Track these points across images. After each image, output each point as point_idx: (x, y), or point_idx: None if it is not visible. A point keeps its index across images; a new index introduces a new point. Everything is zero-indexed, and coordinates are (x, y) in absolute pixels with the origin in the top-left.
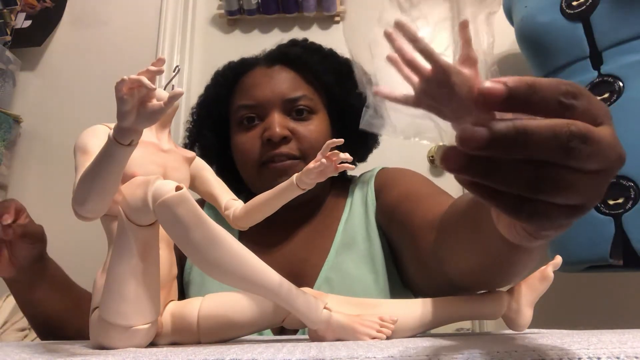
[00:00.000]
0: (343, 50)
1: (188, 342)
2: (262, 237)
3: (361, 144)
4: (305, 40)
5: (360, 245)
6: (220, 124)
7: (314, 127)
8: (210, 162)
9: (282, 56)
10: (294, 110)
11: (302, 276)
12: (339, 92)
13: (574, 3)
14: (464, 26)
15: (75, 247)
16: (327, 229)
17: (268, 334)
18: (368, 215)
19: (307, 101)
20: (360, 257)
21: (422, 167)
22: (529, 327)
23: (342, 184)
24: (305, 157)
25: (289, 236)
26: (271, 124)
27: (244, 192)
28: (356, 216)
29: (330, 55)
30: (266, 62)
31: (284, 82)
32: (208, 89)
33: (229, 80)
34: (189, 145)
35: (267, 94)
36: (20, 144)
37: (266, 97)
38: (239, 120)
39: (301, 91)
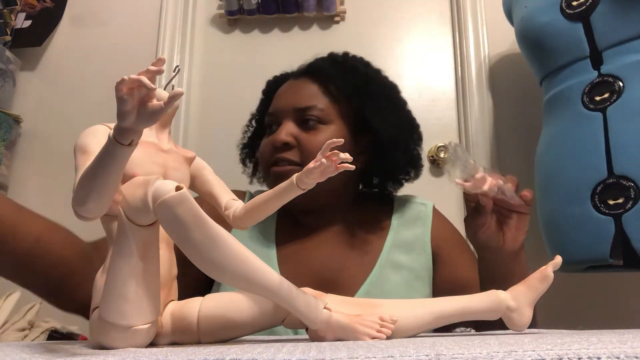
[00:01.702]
0: (342, 51)
1: (188, 342)
2: (298, 240)
3: (388, 160)
4: (346, 54)
5: (404, 271)
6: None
7: (319, 137)
8: (257, 163)
9: (309, 68)
10: (303, 119)
11: (339, 284)
12: (356, 104)
13: (574, 3)
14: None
15: None
16: (369, 246)
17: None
18: (418, 250)
19: (317, 112)
20: (404, 280)
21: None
22: (529, 327)
23: (382, 202)
24: (304, 165)
25: (326, 244)
26: (279, 130)
27: None
28: (403, 243)
29: (351, 68)
30: (296, 74)
31: (300, 93)
32: (261, 97)
33: (270, 91)
34: (244, 148)
35: (283, 104)
36: (20, 144)
37: (282, 106)
38: (266, 126)
39: (312, 102)
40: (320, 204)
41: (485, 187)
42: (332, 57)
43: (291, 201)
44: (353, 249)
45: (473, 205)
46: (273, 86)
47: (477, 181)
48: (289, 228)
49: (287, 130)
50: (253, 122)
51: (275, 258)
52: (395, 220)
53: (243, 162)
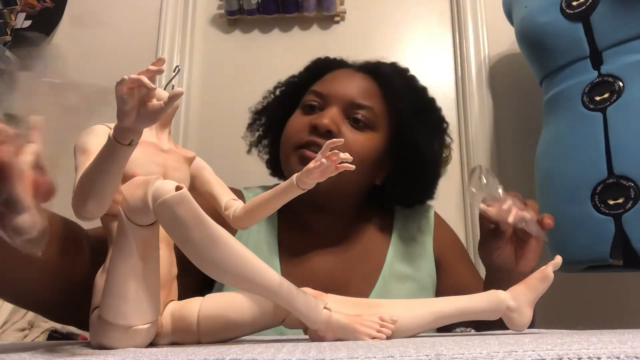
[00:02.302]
0: (342, 51)
1: (188, 342)
2: (301, 252)
3: (413, 186)
4: (407, 69)
5: (409, 282)
6: (292, 103)
7: (362, 139)
8: (265, 134)
9: (373, 68)
10: (353, 115)
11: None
12: (409, 121)
13: (574, 3)
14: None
15: None
16: (372, 257)
17: None
18: (422, 259)
19: (369, 114)
20: (409, 291)
21: None
22: (528, 327)
23: (383, 208)
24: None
25: (329, 254)
26: (324, 114)
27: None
28: (406, 252)
29: (418, 89)
30: (357, 67)
31: (360, 87)
32: (300, 71)
33: (319, 69)
34: (259, 114)
35: (337, 90)
36: None
37: (334, 92)
38: (304, 103)
39: (370, 102)
40: (333, 203)
41: (510, 219)
42: (397, 68)
43: (305, 195)
44: (356, 259)
45: (491, 227)
46: (322, 66)
47: (502, 211)
48: (291, 232)
49: (334, 119)
50: (277, 92)
51: (279, 269)
52: (396, 228)
53: (250, 126)
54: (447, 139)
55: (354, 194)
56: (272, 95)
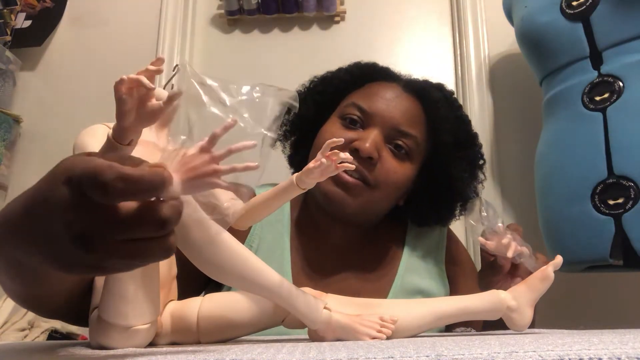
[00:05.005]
0: (342, 51)
1: (188, 342)
2: (313, 259)
3: (436, 208)
4: (452, 92)
5: (420, 295)
6: (327, 104)
7: (401, 170)
8: (293, 131)
9: (421, 90)
10: (395, 141)
11: None
12: (447, 154)
13: (574, 3)
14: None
15: None
16: (384, 269)
17: None
18: (435, 276)
19: (412, 143)
20: None
21: None
22: (529, 327)
23: (396, 221)
24: (374, 186)
25: (341, 264)
26: (367, 138)
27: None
28: (418, 265)
29: (462, 120)
30: (405, 85)
31: (404, 112)
32: (339, 71)
33: (363, 76)
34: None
35: (382, 110)
36: (20, 144)
37: (379, 112)
38: (344, 114)
39: (415, 131)
40: (356, 221)
41: (509, 254)
42: (445, 94)
43: (330, 210)
44: (368, 270)
45: (491, 259)
46: (368, 74)
47: (501, 245)
48: (304, 238)
49: (377, 144)
50: (312, 86)
51: (290, 277)
52: (409, 242)
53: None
54: (481, 176)
55: (380, 216)
56: (305, 90)
